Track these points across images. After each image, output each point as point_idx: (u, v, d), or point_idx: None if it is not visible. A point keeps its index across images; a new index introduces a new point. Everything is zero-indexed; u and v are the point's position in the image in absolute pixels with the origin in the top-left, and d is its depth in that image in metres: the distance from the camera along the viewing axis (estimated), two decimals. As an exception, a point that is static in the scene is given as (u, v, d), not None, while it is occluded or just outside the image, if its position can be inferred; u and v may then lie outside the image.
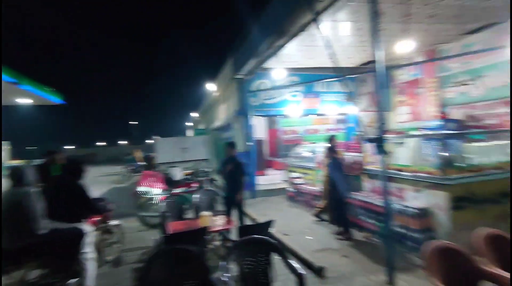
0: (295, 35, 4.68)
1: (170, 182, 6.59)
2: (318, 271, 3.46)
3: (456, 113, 7.95)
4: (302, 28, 4.43)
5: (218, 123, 12.26)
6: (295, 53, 7.25)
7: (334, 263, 3.73)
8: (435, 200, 3.77)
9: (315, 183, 6.95)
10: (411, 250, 3.80)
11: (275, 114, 9.48)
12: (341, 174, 4.78)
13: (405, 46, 5.94)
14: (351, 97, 9.60)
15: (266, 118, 13.90)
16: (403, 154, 4.56)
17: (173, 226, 3.77)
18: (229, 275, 2.29)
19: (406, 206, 3.97)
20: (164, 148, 9.73)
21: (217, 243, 4.01)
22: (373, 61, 9.00)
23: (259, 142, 12.14)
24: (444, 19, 5.90)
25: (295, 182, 7.24)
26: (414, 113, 9.42)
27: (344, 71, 9.26)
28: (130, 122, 50.23)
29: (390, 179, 4.15)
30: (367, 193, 4.96)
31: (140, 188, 6.12)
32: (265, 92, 8.85)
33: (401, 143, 4.75)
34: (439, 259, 2.30)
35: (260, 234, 2.75)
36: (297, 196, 7.21)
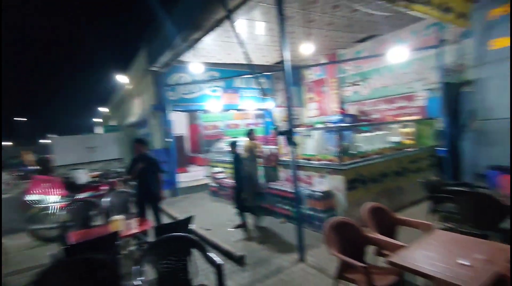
0: (210, 30, 4.68)
1: (72, 187, 5.73)
2: (239, 260, 3.62)
3: (352, 109, 9.42)
4: (217, 24, 4.46)
5: (132, 118, 11.23)
6: (213, 48, 7.25)
7: (254, 250, 3.96)
8: (335, 183, 4.41)
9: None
10: (319, 229, 4.35)
11: (195, 109, 9.29)
12: (252, 167, 5.03)
13: (309, 49, 6.65)
14: (267, 93, 10.21)
15: (187, 114, 13.54)
16: (310, 145, 5.15)
17: (77, 236, 3.32)
18: (143, 278, 2.17)
19: (313, 191, 4.51)
20: (64, 148, 8.37)
21: (133, 247, 3.73)
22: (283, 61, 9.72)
23: (179, 138, 11.71)
24: (340, 28, 6.86)
25: (217, 176, 7.31)
26: (320, 108, 10.70)
27: (259, 69, 9.79)
28: (15, 119, 40.92)
29: (300, 167, 4.65)
30: (282, 182, 5.41)
31: (31, 197, 5.13)
32: (184, 87, 8.56)
33: (309, 135, 5.34)
34: (335, 232, 2.72)
35: (179, 231, 2.69)
36: (219, 191, 7.29)
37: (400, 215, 3.21)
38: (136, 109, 10.75)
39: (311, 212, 4.48)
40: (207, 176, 9.18)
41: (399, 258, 2.25)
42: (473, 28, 5.44)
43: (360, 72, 9.00)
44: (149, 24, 6.75)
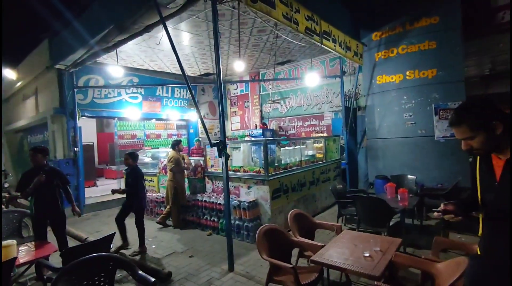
0: (138, 35, 4.43)
1: None
2: (167, 277, 3.43)
3: (271, 124, 10.22)
4: (147, 30, 4.27)
5: (22, 122, 9.24)
6: (136, 52, 6.80)
7: (181, 265, 3.82)
8: (261, 193, 4.70)
9: (158, 189, 6.76)
10: (246, 238, 4.53)
11: (109, 116, 8.35)
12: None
13: (241, 66, 7.03)
14: (192, 104, 10.09)
15: (96, 121, 11.98)
16: (237, 157, 5.36)
17: None
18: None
19: (240, 201, 4.69)
20: None
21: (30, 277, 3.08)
22: (211, 74, 9.90)
23: (88, 148, 10.24)
24: (264, 50, 7.48)
25: (136, 190, 6.69)
26: (243, 122, 11.21)
27: (187, 79, 9.64)
28: None
29: (230, 179, 4.78)
30: (209, 193, 5.42)
31: None
32: (97, 90, 7.64)
33: (236, 147, 5.56)
34: (264, 238, 2.93)
35: (96, 252, 2.40)
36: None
37: (316, 219, 3.70)
38: (30, 112, 8.91)
39: (239, 222, 4.63)
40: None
41: (319, 256, 2.61)
42: (364, 65, 6.83)
43: (279, 91, 9.93)
44: (57, 12, 5.78)
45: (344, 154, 7.39)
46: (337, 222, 4.80)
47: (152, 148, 8.93)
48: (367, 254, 2.54)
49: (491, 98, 1.38)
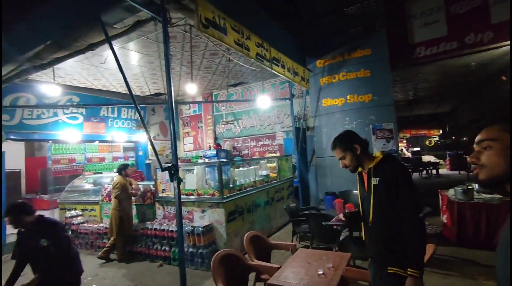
0: (79, 53, 4.12)
1: None
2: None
3: (225, 145, 10.20)
4: (90, 48, 4.01)
5: None
6: (78, 70, 6.30)
7: (128, 305, 3.44)
8: (216, 217, 4.57)
9: (100, 220, 6.11)
10: (201, 265, 4.30)
11: (42, 139, 7.44)
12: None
13: (189, 86, 6.97)
14: (141, 125, 9.59)
15: (24, 144, 10.54)
16: (190, 180, 5.19)
17: None
18: None
19: (194, 227, 4.48)
20: None
21: None
22: (162, 94, 9.64)
23: (12, 176, 8.87)
24: (216, 72, 7.61)
25: (73, 222, 5.95)
26: (196, 143, 10.98)
27: (134, 99, 9.19)
28: None
29: (183, 204, 4.56)
30: (160, 220, 5.08)
31: None
32: (28, 110, 6.79)
33: (189, 170, 5.38)
34: (220, 265, 2.83)
35: None
36: (74, 239, 5.91)
37: (271, 239, 3.71)
38: None
39: (192, 249, 4.39)
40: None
41: (275, 279, 2.60)
42: (311, 89, 7.37)
43: (232, 112, 10.07)
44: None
45: (296, 173, 7.69)
46: (292, 241, 4.89)
47: (94, 173, 8.13)
48: (321, 272, 2.61)
49: (351, 131, 1.97)
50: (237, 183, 5.38)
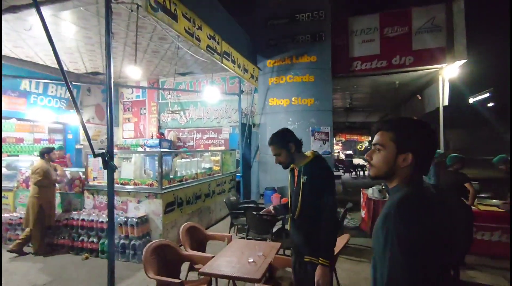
0: (-2, 13, 3.52)
1: None
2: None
3: (169, 135, 9.83)
4: (13, 10, 3.47)
5: None
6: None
7: (43, 301, 3.13)
8: (152, 208, 4.43)
9: (13, 208, 5.35)
10: (133, 257, 4.13)
11: None
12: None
13: (132, 69, 6.53)
14: (71, 105, 8.62)
15: None
16: (127, 168, 4.91)
17: None
18: None
19: (127, 217, 4.28)
20: None
21: None
22: (100, 73, 8.84)
23: None
24: (164, 58, 7.27)
25: (-24, 211, 5.07)
26: (137, 130, 10.33)
27: (65, 76, 8.18)
28: None
29: (115, 193, 4.30)
30: (89, 210, 4.70)
31: None
32: None
33: (127, 158, 5.08)
34: (153, 255, 2.80)
35: None
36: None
37: (209, 231, 3.79)
38: None
39: (124, 241, 4.19)
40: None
41: (207, 267, 2.69)
42: (259, 87, 7.61)
43: (180, 101, 9.74)
44: None
45: (239, 167, 7.87)
46: (229, 232, 5.03)
47: (9, 155, 7.02)
48: (252, 260, 2.78)
49: (289, 129, 2.15)
50: (178, 174, 5.29)
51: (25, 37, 5.59)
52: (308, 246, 1.97)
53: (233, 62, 5.67)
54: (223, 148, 8.73)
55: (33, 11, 3.46)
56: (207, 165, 6.63)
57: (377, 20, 7.04)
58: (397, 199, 0.97)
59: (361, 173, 15.51)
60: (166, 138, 9.53)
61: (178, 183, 4.99)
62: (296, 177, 2.11)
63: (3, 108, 6.96)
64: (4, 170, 6.32)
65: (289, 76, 7.27)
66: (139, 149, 7.26)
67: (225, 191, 6.78)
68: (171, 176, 4.99)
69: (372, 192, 5.49)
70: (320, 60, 7.06)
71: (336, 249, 2.86)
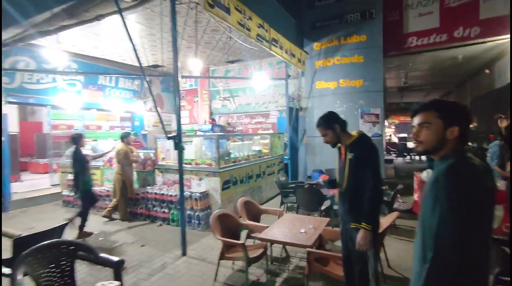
0: (87, 22, 4.26)
1: None
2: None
3: (220, 120, 10.51)
4: (98, 18, 4.16)
5: None
6: (78, 37, 6.35)
7: (133, 254, 3.92)
8: (212, 185, 5.02)
9: (101, 183, 6.49)
10: (197, 226, 4.81)
11: (41, 103, 7.57)
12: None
13: (193, 62, 7.11)
14: (139, 96, 9.75)
15: (18, 108, 10.55)
16: (189, 150, 5.56)
17: None
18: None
19: (192, 192, 4.93)
20: None
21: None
22: (159, 66, 9.70)
23: (11, 138, 9.00)
24: (215, 48, 7.75)
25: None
26: (191, 117, 11.23)
27: (133, 69, 9.26)
28: None
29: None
30: (160, 186, 5.50)
31: None
32: (28, 74, 6.86)
33: (187, 141, 5.74)
34: (218, 222, 3.30)
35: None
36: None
37: (262, 207, 4.20)
38: None
39: (190, 212, 4.87)
40: (54, 185, 7.66)
41: (264, 234, 3.09)
42: (306, 71, 7.65)
43: (229, 88, 10.27)
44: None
45: (287, 150, 8.15)
46: (279, 209, 5.42)
47: (92, 140, 8.37)
48: (303, 230, 3.11)
49: (333, 112, 2.36)
50: (232, 156, 5.80)
51: (101, 38, 6.51)
52: (354, 214, 2.21)
53: (281, 48, 5.84)
54: (271, 132, 9.07)
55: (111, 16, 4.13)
56: (257, 148, 7.05)
57: (437, -11, 6.44)
58: (445, 166, 1.13)
59: (417, 157, 14.54)
60: (217, 123, 10.23)
61: (233, 164, 5.51)
62: (343, 155, 2.34)
63: (86, 101, 8.25)
64: (89, 152, 7.62)
65: (337, 58, 7.17)
66: (198, 133, 7.96)
67: (274, 172, 7.16)
68: (226, 157, 5.51)
69: (426, 174, 5.32)
70: (370, 39, 6.79)
71: (384, 225, 3.04)
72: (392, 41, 6.87)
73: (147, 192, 5.35)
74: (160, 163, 5.66)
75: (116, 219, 5.44)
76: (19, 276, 2.00)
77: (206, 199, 4.96)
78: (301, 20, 7.47)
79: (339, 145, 2.38)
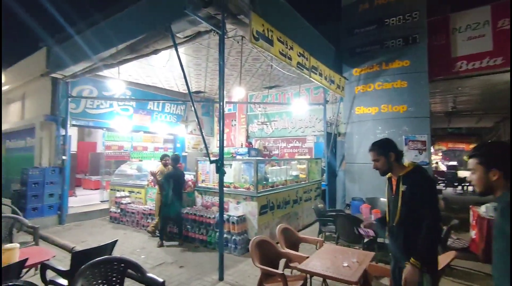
0: (144, 55, 4.80)
1: None
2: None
3: (256, 144, 10.69)
4: (155, 52, 4.66)
5: (4, 126, 9.02)
6: (135, 68, 7.10)
7: (172, 274, 4.00)
8: (249, 209, 5.04)
9: (145, 202, 6.85)
10: (234, 250, 4.79)
11: (98, 126, 8.43)
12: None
13: (237, 91, 7.43)
14: (183, 120, 10.40)
15: (77, 129, 11.83)
16: (228, 173, 5.69)
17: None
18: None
19: (229, 215, 4.98)
20: None
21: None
22: (201, 92, 10.29)
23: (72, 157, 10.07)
24: (254, 75, 8.08)
25: (122, 201, 6.75)
26: (228, 140, 11.59)
27: (177, 95, 9.99)
28: None
29: (218, 194, 5.09)
30: (198, 207, 5.65)
31: None
32: (90, 100, 7.76)
33: (226, 164, 5.90)
34: (257, 248, 3.26)
35: (102, 256, 2.62)
36: (122, 217, 6.72)
37: (301, 235, 4.08)
38: (12, 117, 8.77)
39: (227, 235, 4.89)
40: (103, 201, 8.26)
41: (304, 265, 2.98)
42: (345, 96, 7.58)
43: (266, 113, 10.51)
44: (61, 24, 6.02)
45: (324, 176, 7.94)
46: (318, 237, 5.21)
47: (139, 160, 9.01)
48: (346, 264, 2.94)
49: (391, 140, 2.25)
50: (270, 180, 5.81)
51: (155, 68, 7.20)
52: (407, 252, 2.05)
53: (320, 75, 5.92)
54: (308, 156, 8.97)
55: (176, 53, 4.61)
56: (294, 173, 6.99)
57: (488, 12, 6.16)
58: (508, 200, 1.21)
59: (469, 188, 13.16)
60: (253, 146, 10.41)
61: (270, 188, 5.50)
62: (394, 186, 2.22)
63: (136, 123, 9.01)
64: (135, 171, 8.18)
65: (378, 83, 7.03)
66: (230, 157, 8.15)
67: (311, 198, 6.98)
68: (264, 182, 5.53)
69: (485, 209, 4.80)
70: (414, 64, 6.60)
71: (440, 265, 2.76)
72: (439, 66, 6.60)
73: (187, 213, 5.52)
74: (199, 185, 5.86)
75: (157, 236, 5.64)
76: (78, 289, 2.16)
77: (243, 223, 4.97)
78: (340, 47, 7.56)
79: (389, 175, 2.28)
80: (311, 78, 5.60)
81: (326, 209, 6.46)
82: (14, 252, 2.91)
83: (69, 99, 7.07)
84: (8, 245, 2.96)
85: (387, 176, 2.30)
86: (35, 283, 2.23)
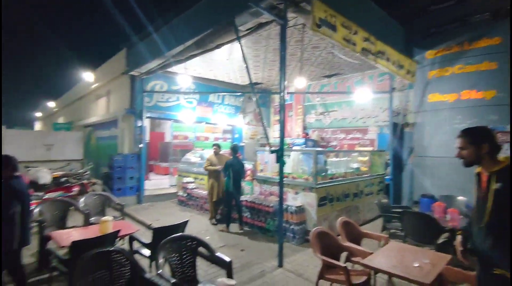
0: (210, 50, 5.08)
1: (34, 186, 5.33)
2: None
3: (313, 135, 10.46)
4: (218, 46, 4.90)
5: (94, 119, 10.63)
6: (198, 63, 7.58)
7: (235, 256, 4.26)
8: (308, 200, 5.02)
9: (207, 188, 7.36)
10: (292, 239, 4.86)
11: (168, 118, 9.30)
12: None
13: (298, 81, 7.31)
14: (241, 111, 10.77)
15: (149, 121, 13.24)
16: (287, 164, 5.73)
17: (64, 235, 3.25)
18: (161, 271, 2.39)
19: (288, 205, 5.04)
20: (16, 143, 7.58)
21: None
22: (259, 83, 10.44)
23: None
24: (313, 64, 7.84)
25: (188, 186, 7.40)
26: (285, 130, 11.58)
27: (236, 88, 10.35)
28: None
29: (276, 183, 5.17)
30: (257, 196, 5.85)
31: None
32: (161, 94, 8.60)
33: (285, 155, 5.93)
34: (317, 239, 3.25)
35: (176, 233, 2.94)
36: (188, 201, 7.37)
37: (363, 230, 3.91)
38: (101, 110, 10.25)
39: (285, 225, 4.97)
40: (172, 186, 9.14)
41: (368, 261, 2.86)
42: (416, 82, 6.84)
43: (324, 103, 10.17)
44: (136, 26, 6.80)
45: (389, 169, 7.39)
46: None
47: (201, 149, 9.69)
48: (417, 264, 2.72)
49: (490, 129, 1.95)
50: (329, 172, 5.66)
51: (217, 62, 7.56)
52: (499, 257, 1.80)
53: (388, 59, 5.45)
54: (370, 148, 8.44)
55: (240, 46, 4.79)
56: (355, 165, 6.66)
57: None
58: None
59: None
60: (310, 138, 10.21)
61: (329, 180, 5.37)
62: (483, 182, 1.95)
63: (199, 115, 9.66)
64: (198, 159, 8.82)
65: (458, 66, 6.15)
66: (287, 148, 8.13)
67: (373, 193, 6.59)
68: (323, 173, 5.42)
69: None
70: (506, 42, 5.57)
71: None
72: (542, 42, 5.44)
73: (246, 200, 5.77)
74: (258, 174, 6.03)
75: (219, 219, 6.04)
76: (160, 260, 2.48)
77: (301, 213, 4.98)
78: (411, 27, 6.80)
79: (479, 170, 2.00)
80: (376, 64, 5.21)
81: (391, 205, 6.03)
82: (109, 224, 3.47)
83: (144, 94, 7.93)
84: (104, 218, 3.53)
85: (475, 171, 2.02)
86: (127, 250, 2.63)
